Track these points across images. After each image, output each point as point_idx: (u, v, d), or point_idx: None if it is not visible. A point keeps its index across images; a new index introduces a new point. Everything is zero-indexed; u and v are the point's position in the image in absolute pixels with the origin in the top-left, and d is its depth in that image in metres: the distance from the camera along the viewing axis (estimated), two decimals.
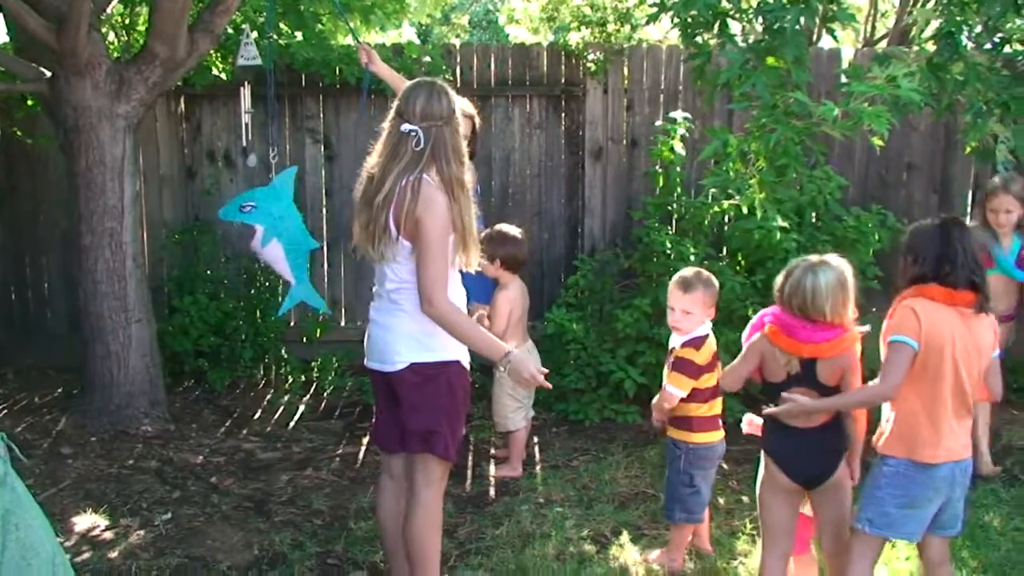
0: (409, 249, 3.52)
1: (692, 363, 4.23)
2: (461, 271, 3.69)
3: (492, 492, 5.27)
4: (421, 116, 3.52)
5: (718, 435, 4.36)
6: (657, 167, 6.56)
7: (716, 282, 4.35)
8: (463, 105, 5.82)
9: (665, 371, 4.40)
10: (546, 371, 3.67)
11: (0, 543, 2.20)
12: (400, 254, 3.54)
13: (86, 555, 4.43)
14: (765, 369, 3.71)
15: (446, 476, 3.85)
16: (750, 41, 4.73)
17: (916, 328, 3.44)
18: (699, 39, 4.80)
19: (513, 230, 5.53)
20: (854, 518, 3.63)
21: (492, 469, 5.59)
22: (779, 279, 3.69)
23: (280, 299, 7.18)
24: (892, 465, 3.52)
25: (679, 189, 6.65)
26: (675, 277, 4.32)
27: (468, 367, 3.75)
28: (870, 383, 3.61)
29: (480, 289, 5.40)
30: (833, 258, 3.68)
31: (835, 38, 4.97)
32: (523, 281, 5.59)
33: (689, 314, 4.23)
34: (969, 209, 7.39)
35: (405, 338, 3.61)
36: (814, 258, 3.69)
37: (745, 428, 4.12)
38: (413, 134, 3.51)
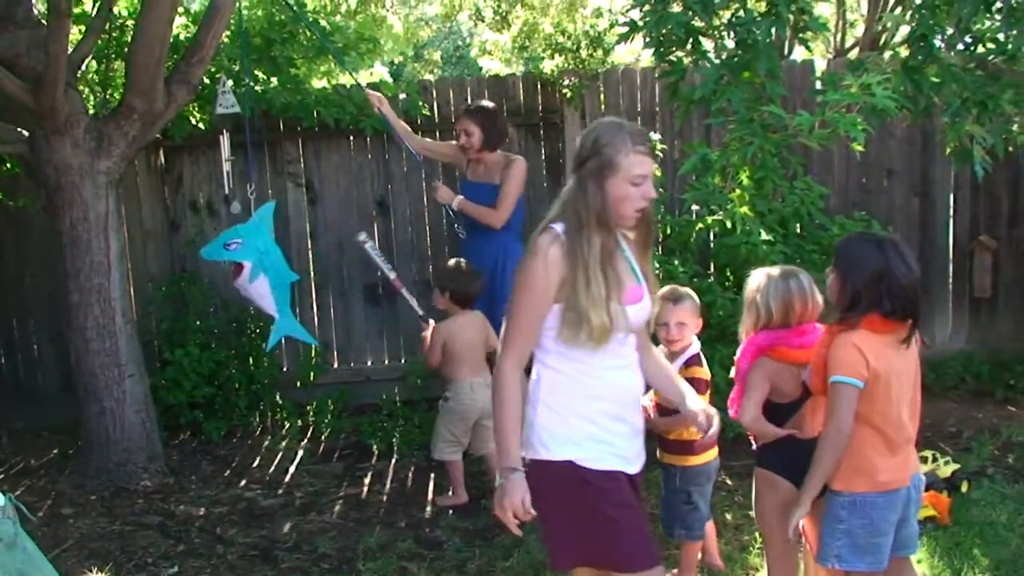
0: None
1: (702, 380, 4.24)
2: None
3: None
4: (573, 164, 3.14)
5: (713, 454, 4.36)
6: None
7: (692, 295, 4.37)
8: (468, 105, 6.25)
9: (653, 393, 4.41)
10: (531, 514, 3.03)
11: None
12: None
13: None
14: (773, 393, 3.70)
15: None
16: (722, 57, 4.77)
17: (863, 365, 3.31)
18: (672, 57, 4.84)
19: (466, 265, 5.70)
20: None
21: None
22: (755, 301, 3.68)
23: None
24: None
25: (662, 208, 6.67)
26: (660, 293, 4.33)
27: (600, 468, 3.11)
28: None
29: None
30: (783, 266, 3.83)
31: (808, 48, 5.02)
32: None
33: (684, 325, 4.24)
34: (952, 211, 7.45)
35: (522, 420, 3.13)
36: (774, 270, 3.76)
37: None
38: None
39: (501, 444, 3.04)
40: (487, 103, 6.41)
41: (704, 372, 4.26)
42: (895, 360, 3.33)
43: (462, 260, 5.74)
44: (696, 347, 4.30)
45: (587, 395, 3.09)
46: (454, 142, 6.37)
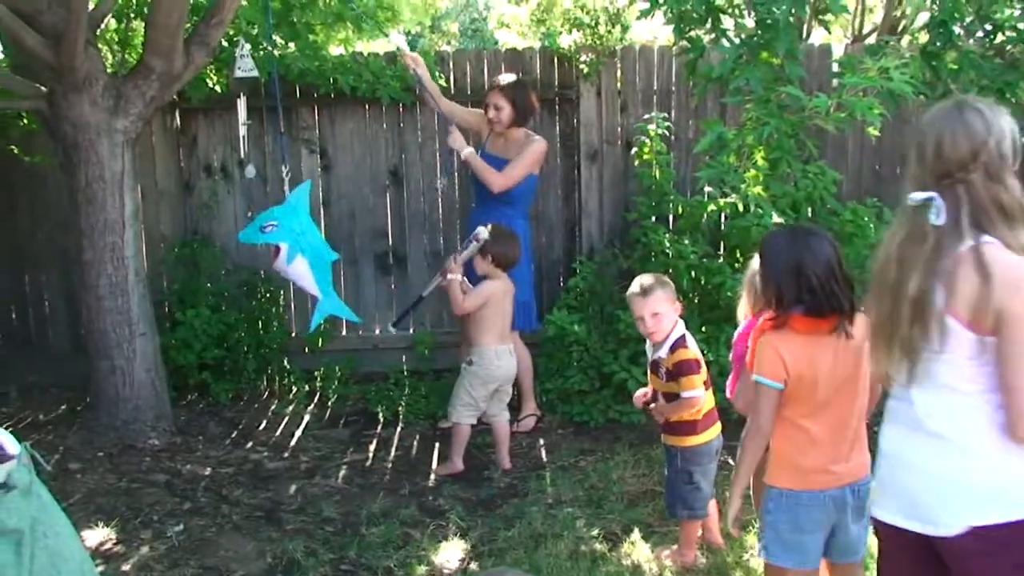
0: (975, 344, 2.48)
1: (692, 360, 4.28)
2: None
3: (501, 495, 5.31)
4: (935, 171, 2.53)
5: (714, 432, 4.41)
6: (653, 168, 6.59)
7: (665, 279, 4.39)
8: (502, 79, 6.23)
9: (650, 382, 4.46)
10: None
11: (29, 551, 2.23)
12: (959, 350, 2.50)
13: (100, 568, 4.42)
14: None
15: None
16: (742, 37, 4.78)
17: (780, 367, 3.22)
18: (692, 35, 4.85)
19: (509, 229, 5.73)
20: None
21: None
22: (753, 284, 3.65)
23: (282, 309, 7.25)
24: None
25: (672, 188, 6.67)
26: (629, 290, 4.38)
27: None
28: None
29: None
30: None
31: (828, 29, 5.03)
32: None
33: (658, 315, 4.26)
34: None
35: (965, 489, 2.53)
36: None
37: (638, 403, 4.51)
38: (929, 204, 2.51)
39: None
40: (519, 78, 6.42)
41: (691, 352, 4.29)
42: (823, 360, 3.21)
43: (502, 224, 5.77)
44: (680, 330, 4.33)
45: None
46: (481, 111, 6.39)
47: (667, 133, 6.64)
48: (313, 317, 5.68)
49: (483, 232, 5.58)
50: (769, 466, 3.39)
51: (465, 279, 5.66)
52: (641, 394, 4.54)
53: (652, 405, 4.47)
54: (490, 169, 6.12)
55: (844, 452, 3.31)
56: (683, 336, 4.31)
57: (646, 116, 6.73)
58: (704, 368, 4.36)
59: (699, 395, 4.26)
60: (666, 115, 6.69)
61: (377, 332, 7.55)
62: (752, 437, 3.35)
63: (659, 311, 4.25)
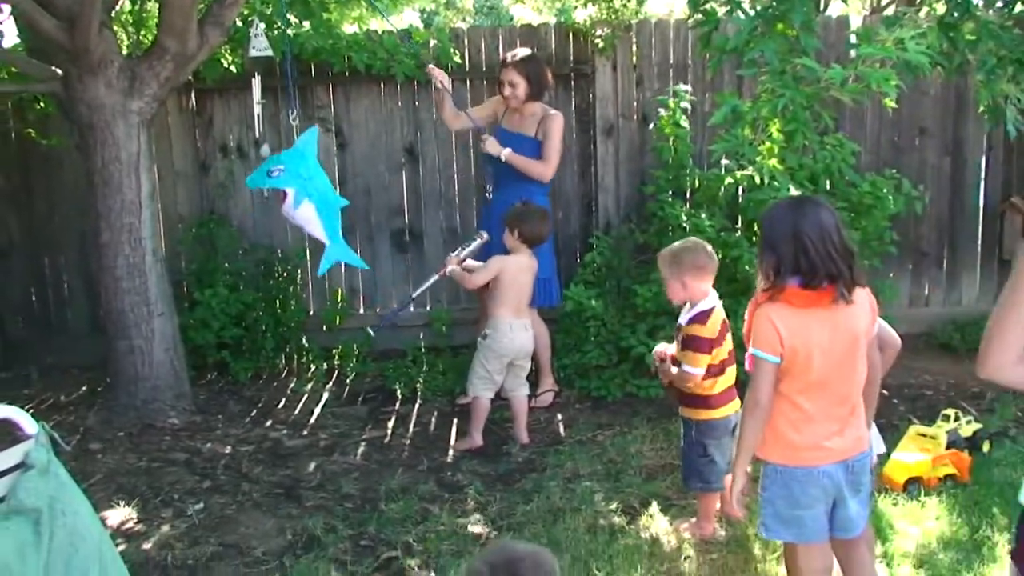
0: None
1: (701, 338, 4.24)
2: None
3: (519, 470, 5.32)
4: None
5: (731, 408, 4.37)
6: (670, 142, 6.57)
7: (687, 254, 4.31)
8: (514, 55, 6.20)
9: (674, 347, 4.44)
10: None
11: (48, 529, 2.25)
12: None
13: (121, 547, 4.45)
14: None
15: None
16: (757, 8, 4.73)
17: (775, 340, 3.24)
18: (707, 7, 4.81)
19: (539, 207, 5.81)
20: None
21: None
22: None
23: (299, 288, 7.27)
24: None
25: (690, 161, 6.66)
26: None
27: None
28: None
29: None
30: None
31: (845, 1, 4.96)
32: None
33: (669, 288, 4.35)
34: (983, 172, 7.40)
35: None
36: None
37: (654, 362, 4.48)
38: None
39: None
40: (532, 52, 6.38)
41: (705, 330, 4.24)
42: (819, 336, 3.22)
43: (531, 201, 5.83)
44: (707, 303, 4.29)
45: None
46: (494, 98, 6.38)
47: (689, 106, 6.61)
48: (322, 263, 5.66)
49: (484, 233, 5.71)
50: (763, 440, 3.38)
51: (472, 261, 5.67)
52: (661, 349, 4.51)
53: (662, 363, 4.46)
54: (534, 162, 6.13)
55: (840, 428, 3.31)
56: (706, 312, 4.27)
57: (668, 89, 6.70)
58: (726, 346, 4.33)
59: (696, 374, 4.23)
60: (688, 88, 6.67)
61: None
62: (751, 412, 3.34)
63: (671, 284, 4.30)
